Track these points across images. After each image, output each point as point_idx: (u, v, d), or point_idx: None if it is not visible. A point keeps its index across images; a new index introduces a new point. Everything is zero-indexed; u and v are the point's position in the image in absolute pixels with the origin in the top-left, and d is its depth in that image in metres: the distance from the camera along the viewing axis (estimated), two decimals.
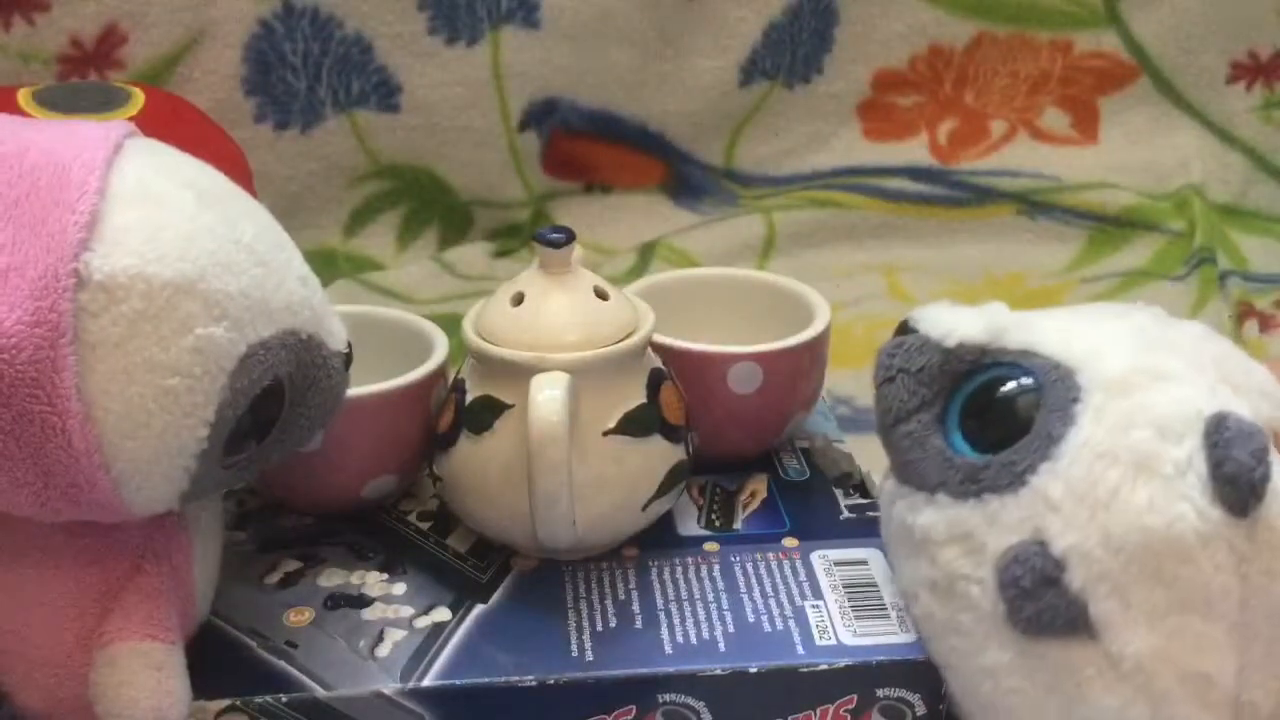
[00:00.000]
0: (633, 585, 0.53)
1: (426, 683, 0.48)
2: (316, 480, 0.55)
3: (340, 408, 0.48)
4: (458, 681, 0.48)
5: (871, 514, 0.57)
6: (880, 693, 0.49)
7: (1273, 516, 0.43)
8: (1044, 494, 0.44)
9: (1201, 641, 0.43)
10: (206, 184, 0.44)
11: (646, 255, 0.99)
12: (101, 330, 0.40)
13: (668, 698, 0.49)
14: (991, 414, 0.48)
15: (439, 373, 0.56)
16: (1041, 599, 0.43)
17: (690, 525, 0.57)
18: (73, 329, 0.39)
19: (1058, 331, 0.48)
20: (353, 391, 0.54)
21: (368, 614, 0.51)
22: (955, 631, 0.47)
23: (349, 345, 0.47)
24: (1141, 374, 0.45)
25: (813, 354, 0.60)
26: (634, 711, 0.49)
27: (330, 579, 0.53)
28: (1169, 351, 0.47)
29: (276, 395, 0.44)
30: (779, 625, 0.51)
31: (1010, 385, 0.48)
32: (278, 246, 0.45)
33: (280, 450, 0.46)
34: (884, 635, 0.50)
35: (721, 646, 0.50)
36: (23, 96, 0.77)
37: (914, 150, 1.08)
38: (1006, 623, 0.44)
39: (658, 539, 0.55)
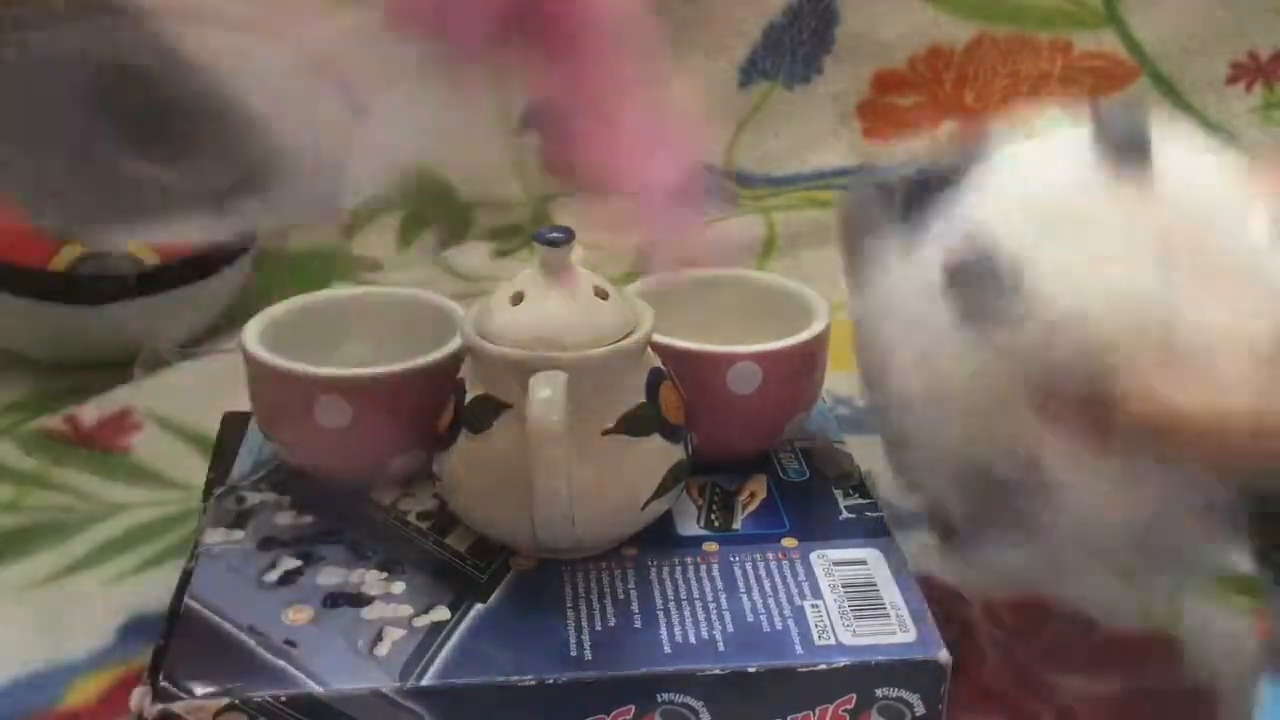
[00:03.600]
0: (632, 585, 0.53)
1: (425, 682, 0.48)
2: (346, 453, 0.57)
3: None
4: (457, 681, 0.48)
5: (871, 514, 0.58)
6: (879, 693, 0.49)
7: (1168, 178, 0.47)
8: (976, 193, 0.49)
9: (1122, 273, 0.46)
10: None
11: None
12: None
13: (667, 697, 0.49)
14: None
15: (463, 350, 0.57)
16: (981, 284, 0.47)
17: (690, 525, 0.57)
18: None
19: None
20: (380, 369, 0.56)
21: (367, 613, 0.51)
22: (919, 327, 0.50)
23: None
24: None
25: (813, 354, 0.60)
26: (633, 711, 0.49)
27: (329, 577, 0.53)
28: None
29: None
30: (778, 625, 0.51)
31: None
32: None
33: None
34: (883, 635, 0.50)
35: (720, 646, 0.50)
36: None
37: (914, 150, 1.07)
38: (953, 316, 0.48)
39: (657, 539, 0.55)
